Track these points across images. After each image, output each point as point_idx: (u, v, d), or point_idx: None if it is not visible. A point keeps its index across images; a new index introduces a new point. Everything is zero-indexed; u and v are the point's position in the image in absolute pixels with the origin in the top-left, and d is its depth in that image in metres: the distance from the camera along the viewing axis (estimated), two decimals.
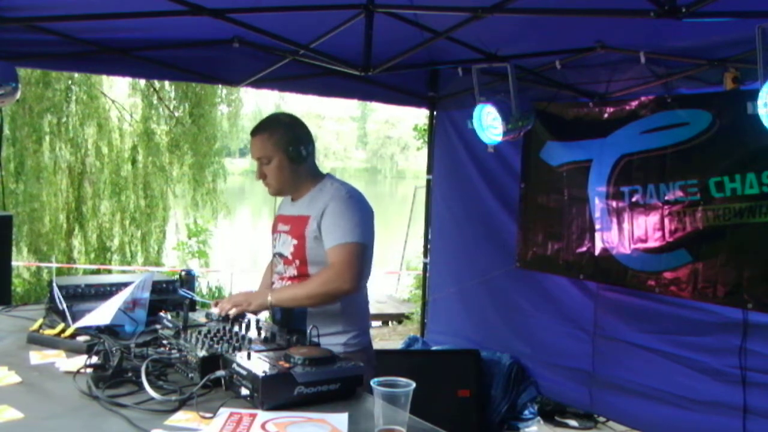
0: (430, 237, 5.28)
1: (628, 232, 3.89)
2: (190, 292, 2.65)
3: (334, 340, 2.28)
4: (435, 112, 5.10)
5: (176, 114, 9.22)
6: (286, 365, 1.72)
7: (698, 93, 3.57)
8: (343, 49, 3.42)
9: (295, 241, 2.40)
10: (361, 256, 2.28)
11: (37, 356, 2.07)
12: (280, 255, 2.49)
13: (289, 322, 2.35)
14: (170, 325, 2.16)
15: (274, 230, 2.56)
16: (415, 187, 10.87)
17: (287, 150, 2.38)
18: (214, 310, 2.32)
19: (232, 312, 2.25)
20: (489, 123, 3.59)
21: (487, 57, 3.64)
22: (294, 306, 2.35)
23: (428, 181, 5.23)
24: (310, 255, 2.37)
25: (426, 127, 5.63)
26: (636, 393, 3.93)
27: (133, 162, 9.25)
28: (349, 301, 2.37)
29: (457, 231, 5.00)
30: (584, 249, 4.15)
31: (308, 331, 2.01)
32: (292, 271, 2.43)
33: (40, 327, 2.29)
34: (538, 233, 4.42)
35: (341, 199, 2.34)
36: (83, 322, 2.23)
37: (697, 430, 3.65)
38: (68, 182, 8.81)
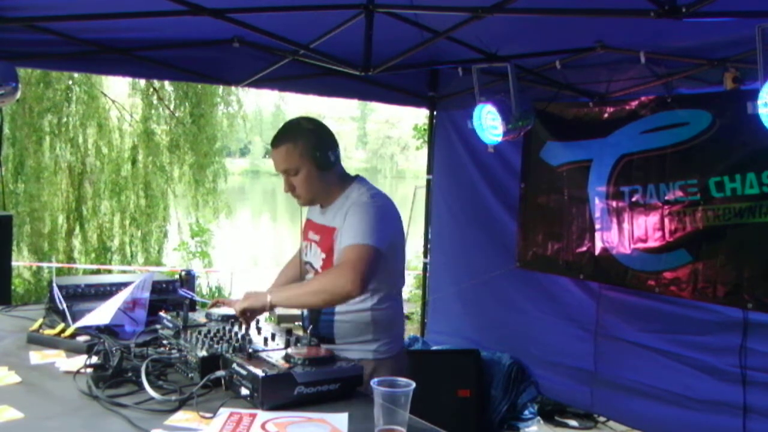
0: (430, 237, 5.28)
1: (628, 231, 3.88)
2: (190, 292, 2.66)
3: (364, 348, 2.22)
4: (435, 112, 5.10)
5: (176, 114, 9.20)
6: (286, 365, 1.72)
7: (698, 93, 3.56)
8: (343, 49, 3.41)
9: (323, 255, 2.31)
10: (369, 259, 2.10)
11: (37, 356, 2.07)
12: (311, 266, 2.40)
13: (316, 329, 2.22)
14: (170, 325, 2.16)
15: (305, 237, 2.45)
16: (415, 187, 10.84)
17: (315, 157, 2.23)
18: (214, 310, 2.30)
19: (243, 312, 2.13)
20: (489, 123, 3.59)
21: (487, 57, 3.63)
22: (293, 306, 2.27)
23: (428, 181, 5.23)
24: None
25: (426, 127, 5.63)
26: (637, 392, 3.93)
27: (134, 162, 9.24)
28: (379, 309, 2.28)
29: (457, 231, 5.00)
30: (584, 249, 4.15)
31: (308, 331, 2.01)
32: None
33: (40, 327, 2.30)
34: (538, 233, 4.41)
35: (361, 203, 2.23)
36: (83, 322, 2.23)
37: (698, 429, 3.65)
38: (68, 182, 8.80)
